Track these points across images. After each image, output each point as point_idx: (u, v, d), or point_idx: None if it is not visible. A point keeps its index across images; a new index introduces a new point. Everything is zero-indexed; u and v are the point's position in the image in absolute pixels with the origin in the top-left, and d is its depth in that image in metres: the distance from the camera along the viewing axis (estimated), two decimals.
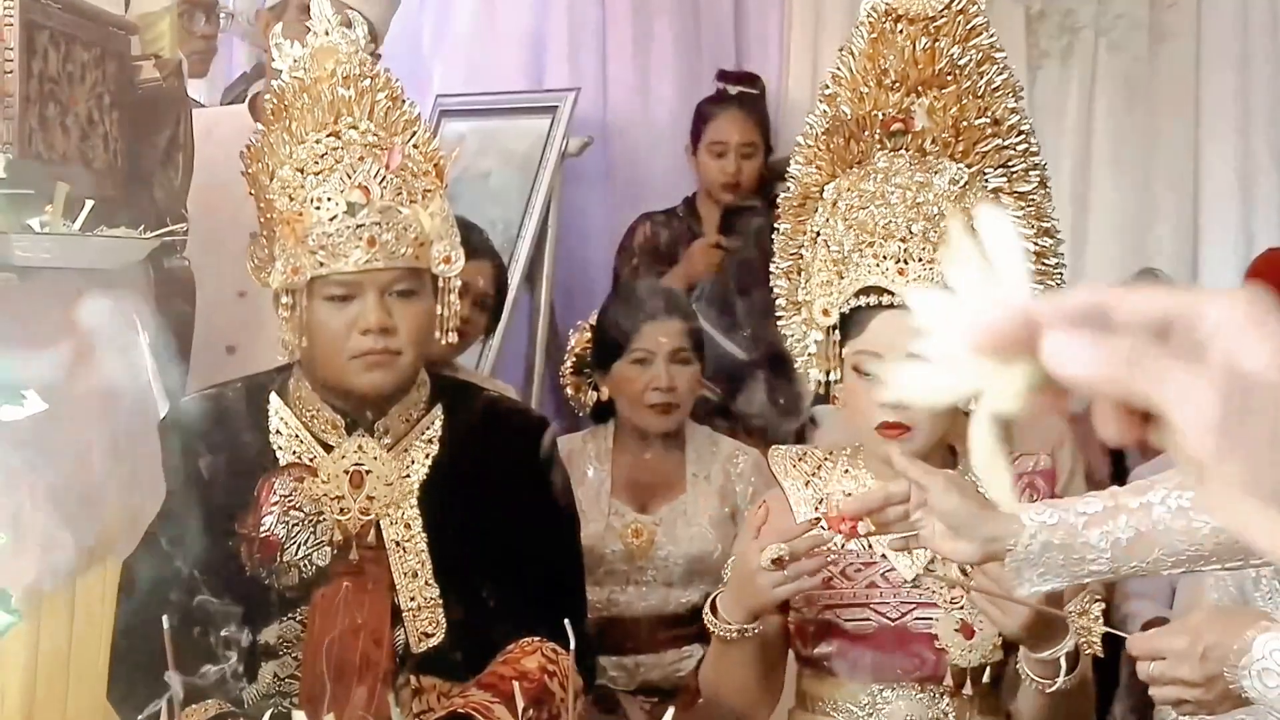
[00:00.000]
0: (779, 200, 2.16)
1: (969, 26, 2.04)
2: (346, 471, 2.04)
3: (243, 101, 3.30)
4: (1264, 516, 0.59)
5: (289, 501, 1.99)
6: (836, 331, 2.00)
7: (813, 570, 1.89)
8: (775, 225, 2.15)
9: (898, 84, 2.04)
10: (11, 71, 1.96)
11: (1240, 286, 2.81)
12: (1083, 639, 1.93)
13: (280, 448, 2.05)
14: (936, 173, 2.00)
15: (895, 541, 1.81)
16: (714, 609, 2.00)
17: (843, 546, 2.04)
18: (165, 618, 1.48)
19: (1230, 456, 0.58)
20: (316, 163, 2.01)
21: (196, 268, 2.50)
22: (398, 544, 2.02)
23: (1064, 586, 1.62)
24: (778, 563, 1.88)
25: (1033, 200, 2.03)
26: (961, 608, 1.99)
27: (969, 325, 0.62)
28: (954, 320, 0.63)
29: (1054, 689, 1.87)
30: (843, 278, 1.98)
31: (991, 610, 1.81)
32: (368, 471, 2.04)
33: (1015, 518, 1.60)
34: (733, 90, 3.86)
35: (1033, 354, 0.61)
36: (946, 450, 2.08)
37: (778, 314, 2.15)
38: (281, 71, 2.09)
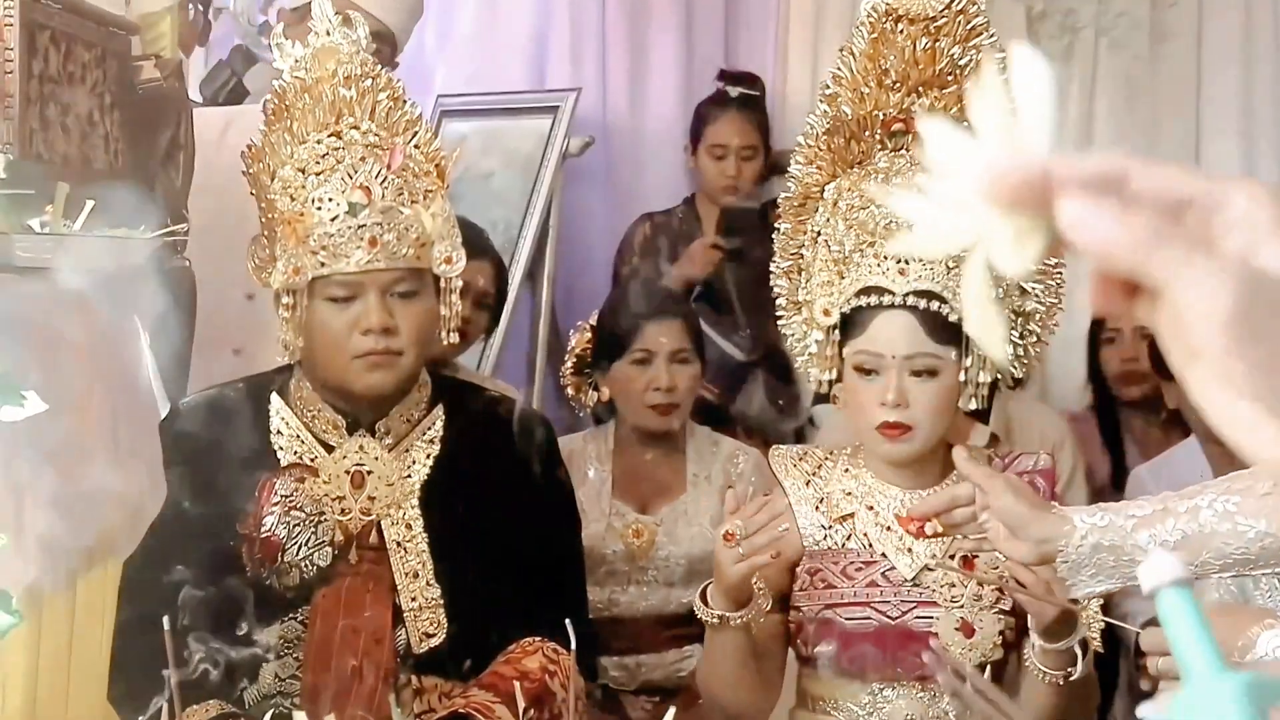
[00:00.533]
0: (779, 200, 2.16)
1: (969, 27, 2.04)
2: (347, 472, 2.04)
3: (225, 91, 3.28)
4: (1256, 420, 0.58)
5: (290, 502, 1.99)
6: (837, 331, 2.00)
7: (762, 546, 1.89)
8: (776, 225, 2.15)
9: (898, 84, 2.04)
10: (12, 72, 1.96)
11: None
12: (1085, 635, 1.94)
13: (281, 448, 2.05)
14: None
15: (967, 543, 1.86)
16: (704, 598, 2.00)
17: (843, 545, 2.04)
18: (165, 618, 1.48)
19: (1234, 354, 0.57)
20: (318, 163, 2.01)
21: (204, 270, 2.51)
22: (399, 544, 2.02)
23: (1116, 588, 1.65)
24: (729, 537, 1.89)
25: None
26: (962, 606, 1.99)
27: (984, 171, 0.59)
28: (968, 163, 0.59)
29: (1065, 680, 1.87)
30: (843, 278, 1.99)
31: (1033, 604, 1.83)
32: (369, 472, 2.04)
33: (1067, 519, 1.62)
34: (733, 92, 3.84)
35: (1042, 211, 0.59)
36: (946, 449, 2.08)
37: (778, 314, 2.15)
38: (283, 71, 2.10)
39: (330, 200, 1.99)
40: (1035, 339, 2.04)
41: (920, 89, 2.03)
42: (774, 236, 2.15)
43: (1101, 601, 1.97)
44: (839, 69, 2.09)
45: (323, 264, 1.98)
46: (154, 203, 2.31)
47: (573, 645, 1.61)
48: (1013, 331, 2.01)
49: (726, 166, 3.78)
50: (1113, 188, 0.59)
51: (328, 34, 2.08)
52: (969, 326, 0.63)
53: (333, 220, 1.98)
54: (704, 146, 3.81)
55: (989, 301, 0.62)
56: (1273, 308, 0.57)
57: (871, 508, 2.04)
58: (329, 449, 2.05)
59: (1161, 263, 0.58)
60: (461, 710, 1.88)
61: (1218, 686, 0.66)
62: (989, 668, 1.99)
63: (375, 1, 3.02)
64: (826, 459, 2.11)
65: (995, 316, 0.62)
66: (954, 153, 0.60)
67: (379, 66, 2.13)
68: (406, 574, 2.01)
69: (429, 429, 2.08)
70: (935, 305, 1.94)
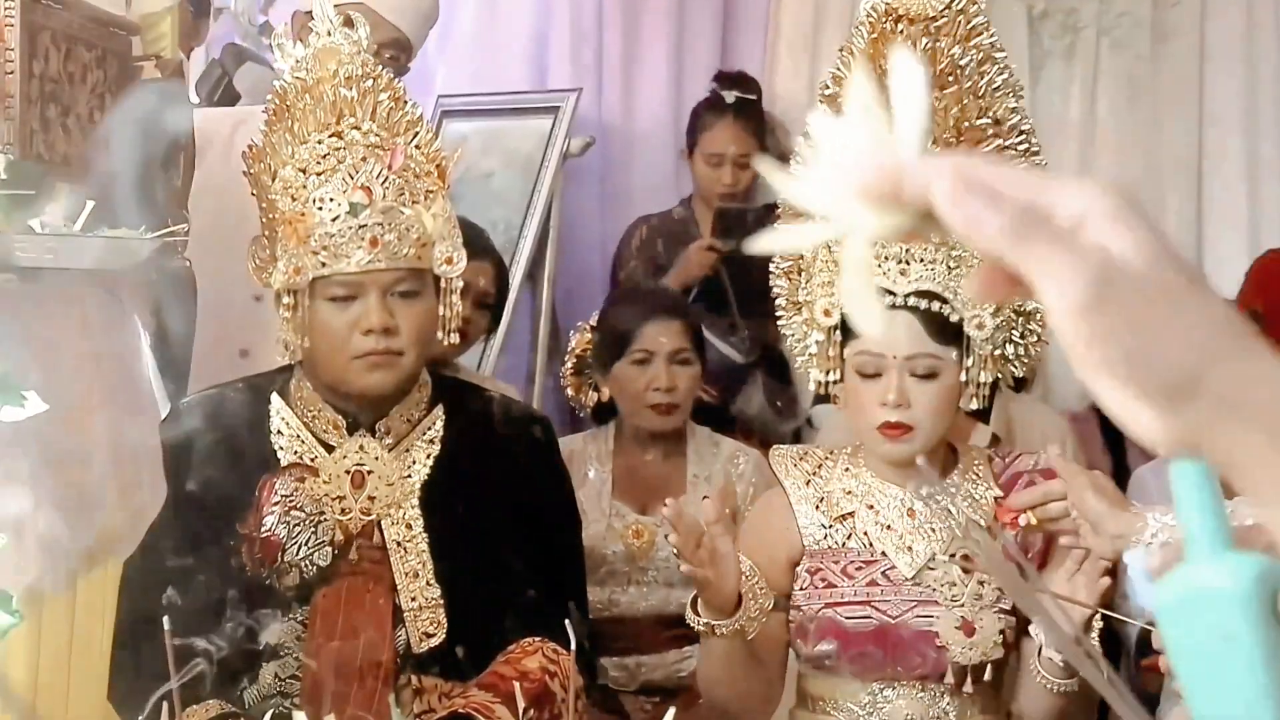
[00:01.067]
0: (780, 200, 2.16)
1: (969, 26, 2.04)
2: (348, 471, 2.04)
3: (219, 90, 3.28)
4: (1128, 404, 0.62)
5: (290, 502, 1.99)
6: (838, 332, 2.00)
7: (679, 546, 1.90)
8: (775, 226, 2.15)
9: None
10: (12, 72, 1.96)
11: (1240, 289, 2.79)
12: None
13: (281, 448, 2.06)
14: None
15: (1066, 539, 1.87)
16: (694, 606, 2.00)
17: (843, 544, 2.04)
18: (165, 618, 1.48)
19: (1094, 339, 0.61)
20: (319, 163, 2.01)
21: (211, 271, 2.51)
22: (399, 544, 2.02)
23: None
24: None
25: None
26: (962, 605, 1.99)
27: (854, 167, 0.64)
28: (843, 157, 0.64)
29: (1065, 689, 1.88)
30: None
31: (1057, 614, 1.83)
32: (369, 472, 2.04)
33: (1141, 517, 1.63)
34: (729, 97, 3.81)
35: (904, 206, 0.64)
36: (946, 449, 2.08)
37: (778, 314, 2.15)
38: (276, 69, 2.10)
39: (331, 200, 1.99)
40: (1036, 339, 2.04)
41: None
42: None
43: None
44: (839, 69, 2.09)
45: (323, 264, 1.98)
46: (154, 203, 2.31)
47: (573, 645, 1.61)
48: (1013, 331, 2.01)
49: (723, 174, 3.76)
50: (979, 180, 0.63)
51: (329, 34, 2.08)
52: (844, 298, 0.68)
53: (334, 220, 1.98)
54: (700, 153, 3.80)
55: (864, 282, 0.65)
56: (1132, 294, 0.60)
57: (872, 507, 2.04)
58: (329, 449, 2.05)
59: (1024, 255, 0.62)
60: (461, 710, 1.88)
61: (1223, 566, 0.66)
62: (990, 667, 1.99)
63: (394, 9, 3.02)
64: (827, 458, 2.11)
65: (871, 295, 0.66)
66: (834, 145, 0.65)
67: (380, 67, 2.13)
68: (406, 574, 2.01)
69: (429, 429, 2.09)
70: (936, 306, 1.94)
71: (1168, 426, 0.63)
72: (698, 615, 1.97)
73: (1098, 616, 1.93)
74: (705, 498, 2.07)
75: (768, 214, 3.58)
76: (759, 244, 0.68)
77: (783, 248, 0.69)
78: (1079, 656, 1.10)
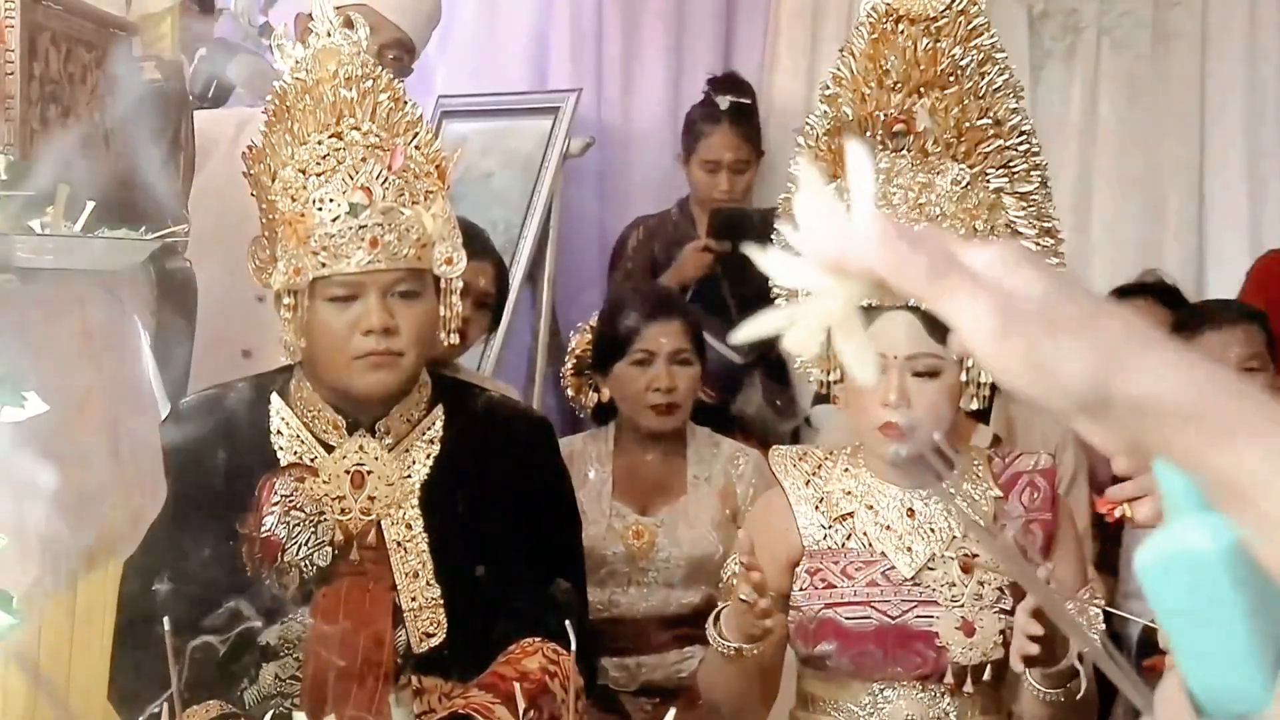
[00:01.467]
0: (779, 200, 2.16)
1: (970, 27, 2.04)
2: (347, 472, 2.04)
3: (213, 87, 3.27)
4: (1045, 403, 0.71)
5: (290, 502, 1.99)
6: None
7: (764, 614, 1.91)
8: (775, 225, 2.15)
9: (899, 85, 2.04)
10: (13, 73, 1.96)
11: (1241, 289, 2.79)
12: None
13: (281, 448, 2.06)
14: (939, 173, 2.00)
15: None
16: (716, 620, 2.01)
17: (843, 544, 2.04)
18: (166, 619, 1.48)
19: (1006, 367, 0.71)
20: (319, 164, 2.01)
21: (213, 271, 2.50)
22: (399, 544, 2.02)
23: None
24: (746, 602, 1.91)
25: (1034, 200, 2.03)
26: (962, 605, 1.99)
27: (814, 244, 0.75)
28: (808, 239, 0.75)
29: (1064, 696, 1.88)
30: None
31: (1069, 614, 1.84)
32: (369, 472, 2.04)
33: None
34: (723, 103, 3.80)
35: (860, 274, 0.74)
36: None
37: None
38: (283, 72, 2.10)
39: (331, 201, 1.99)
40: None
41: (921, 89, 2.03)
42: (773, 237, 2.15)
43: (1104, 602, 1.97)
44: (839, 69, 2.09)
45: (323, 264, 1.98)
46: (154, 204, 2.31)
47: (573, 646, 1.61)
48: None
49: (719, 180, 3.75)
50: (904, 231, 0.73)
51: (328, 35, 2.08)
52: (843, 361, 0.77)
53: (334, 221, 1.98)
54: (696, 160, 3.79)
55: (857, 341, 0.75)
56: (1031, 324, 0.70)
57: (871, 507, 2.04)
58: (329, 449, 2.05)
59: (940, 291, 0.71)
60: (461, 711, 1.88)
61: (1204, 527, 0.68)
62: (989, 667, 1.99)
63: (397, 10, 3.02)
64: (826, 459, 2.11)
65: (863, 352, 0.75)
66: (804, 228, 0.75)
67: (379, 68, 2.13)
68: (406, 574, 2.01)
69: (429, 429, 2.09)
70: None
71: (1104, 436, 0.72)
72: (721, 637, 1.98)
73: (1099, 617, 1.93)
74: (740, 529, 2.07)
75: (763, 217, 3.59)
76: (746, 332, 0.76)
77: (776, 329, 0.77)
78: (1100, 653, 1.10)
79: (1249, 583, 0.67)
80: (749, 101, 3.83)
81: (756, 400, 3.58)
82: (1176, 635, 0.70)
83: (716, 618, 2.01)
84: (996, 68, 2.04)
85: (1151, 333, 0.71)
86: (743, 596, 1.90)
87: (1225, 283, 3.79)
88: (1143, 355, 0.70)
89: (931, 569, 2.00)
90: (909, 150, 2.03)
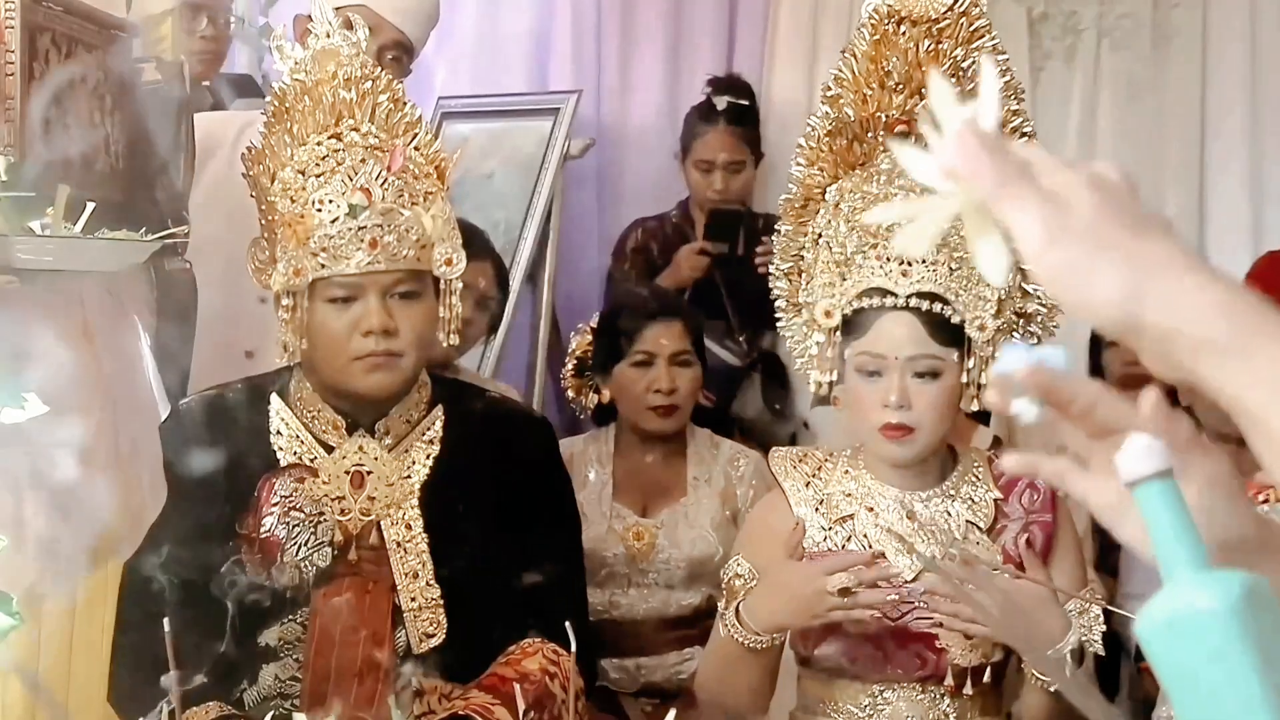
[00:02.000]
0: (780, 202, 2.16)
1: (971, 29, 2.04)
2: (347, 472, 2.04)
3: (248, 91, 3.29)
4: (1080, 297, 0.76)
5: (290, 502, 1.99)
6: (838, 333, 2.00)
7: (876, 603, 1.95)
8: (775, 227, 2.16)
9: (901, 86, 2.04)
10: (13, 74, 1.96)
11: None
12: (1085, 638, 1.94)
13: (281, 448, 2.06)
14: None
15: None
16: (737, 617, 2.01)
17: (843, 546, 2.04)
18: (166, 620, 1.48)
19: (1050, 281, 0.76)
20: (318, 165, 2.01)
21: (215, 273, 2.50)
22: (399, 544, 2.02)
23: None
24: (844, 591, 1.93)
25: None
26: None
27: (942, 155, 0.81)
28: (935, 144, 0.82)
29: (1058, 687, 1.88)
30: (845, 279, 1.99)
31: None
32: (368, 472, 2.04)
33: None
34: (720, 103, 3.79)
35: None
36: (947, 451, 2.08)
37: (778, 315, 2.15)
38: (283, 73, 2.10)
39: (330, 202, 1.99)
40: (1036, 341, 2.04)
41: (923, 91, 2.03)
42: (774, 239, 2.16)
43: (1105, 600, 1.97)
44: (840, 71, 2.09)
45: (323, 266, 1.98)
46: (154, 204, 2.31)
47: (573, 647, 1.60)
48: (1014, 333, 2.01)
49: (714, 180, 3.75)
50: (994, 141, 0.79)
51: (327, 36, 2.08)
52: (975, 256, 0.82)
53: (333, 222, 1.98)
54: (692, 159, 3.79)
55: (987, 238, 0.79)
56: (1075, 244, 0.75)
57: (871, 509, 2.04)
58: (329, 449, 2.05)
59: (1003, 198, 0.77)
60: (461, 712, 1.88)
61: (1206, 586, 0.66)
62: (989, 669, 1.99)
63: (396, 11, 3.02)
64: (826, 460, 2.11)
65: (994, 246, 0.80)
66: (935, 140, 0.82)
67: (379, 69, 2.13)
68: (406, 574, 2.01)
69: (428, 429, 2.09)
70: (937, 307, 1.94)
71: (1140, 353, 0.77)
72: (743, 628, 1.98)
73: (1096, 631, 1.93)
74: (798, 523, 2.07)
75: (760, 219, 3.59)
76: (878, 215, 0.84)
77: (900, 216, 0.82)
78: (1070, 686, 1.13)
79: (1259, 637, 0.65)
80: (746, 103, 3.82)
81: (754, 403, 3.58)
82: (1180, 696, 0.68)
83: (738, 615, 2.01)
84: (998, 69, 2.04)
85: (1192, 260, 0.74)
86: (842, 584, 1.93)
87: None
88: (1177, 283, 0.73)
89: (932, 571, 2.00)
90: None
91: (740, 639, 2.00)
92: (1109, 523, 0.97)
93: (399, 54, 3.00)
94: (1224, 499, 0.97)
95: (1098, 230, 0.75)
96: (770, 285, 2.17)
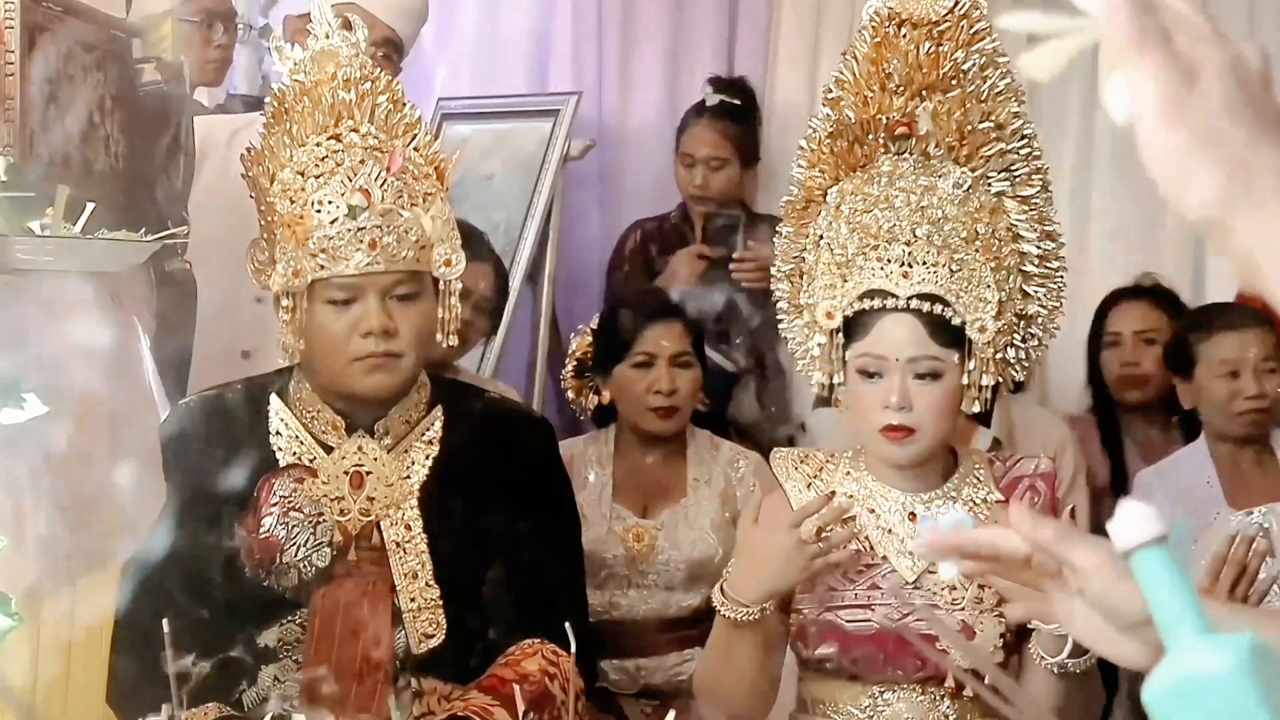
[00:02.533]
0: (781, 204, 2.16)
1: (972, 31, 2.04)
2: (346, 472, 2.04)
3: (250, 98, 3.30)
4: (1175, 185, 0.73)
5: (289, 502, 1.99)
6: (840, 335, 2.00)
7: (847, 538, 1.98)
8: (776, 229, 2.16)
9: (902, 88, 2.04)
10: (13, 74, 1.96)
11: (1237, 294, 2.79)
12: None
13: (280, 449, 2.05)
14: (940, 176, 2.00)
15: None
16: (723, 594, 2.00)
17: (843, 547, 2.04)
18: (165, 620, 1.48)
19: (1156, 144, 0.73)
20: (317, 165, 2.01)
21: (213, 273, 2.51)
22: (398, 545, 2.02)
23: None
24: (818, 534, 1.96)
25: (1035, 204, 2.03)
26: (962, 609, 1.99)
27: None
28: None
29: (1065, 671, 1.87)
30: (846, 281, 1.98)
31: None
32: (368, 472, 2.04)
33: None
34: (710, 100, 3.79)
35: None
36: (947, 453, 2.08)
37: (779, 317, 2.15)
38: (282, 74, 2.10)
39: (330, 203, 1.99)
40: (1036, 342, 2.04)
41: (924, 93, 2.03)
42: (774, 240, 2.16)
43: None
44: (842, 73, 2.09)
45: (322, 266, 1.98)
46: (154, 205, 2.31)
47: (573, 648, 1.60)
48: (1015, 335, 2.01)
49: (694, 175, 3.73)
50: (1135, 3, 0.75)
51: (327, 37, 2.08)
52: (1104, 90, 0.78)
53: (332, 223, 1.98)
54: (677, 154, 3.80)
55: (1121, 79, 0.76)
56: (1193, 122, 0.72)
57: (873, 510, 2.04)
58: (328, 450, 2.05)
59: (1132, 58, 0.73)
60: (460, 713, 1.88)
61: (1212, 650, 0.65)
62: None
63: (386, 8, 3.03)
64: (828, 462, 2.11)
65: (1124, 90, 0.76)
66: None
67: (378, 70, 2.12)
68: (406, 575, 2.01)
69: (428, 430, 2.09)
70: (938, 308, 1.94)
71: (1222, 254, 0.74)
72: (731, 604, 1.98)
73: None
74: (759, 500, 2.08)
75: (757, 221, 3.58)
76: (1012, 21, 0.78)
77: (1039, 29, 0.80)
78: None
79: (1268, 697, 0.64)
80: (738, 102, 3.81)
81: (751, 407, 3.58)
82: None
83: (723, 591, 2.00)
84: (998, 71, 2.04)
85: None
86: (813, 526, 1.96)
87: (1222, 287, 3.79)
88: (1274, 206, 0.70)
89: (932, 572, 2.00)
90: (911, 153, 2.03)
91: (729, 614, 1.99)
92: (1092, 644, 1.03)
93: (389, 51, 3.00)
94: (1115, 581, 1.07)
95: (1215, 121, 0.71)
96: (772, 288, 2.17)
